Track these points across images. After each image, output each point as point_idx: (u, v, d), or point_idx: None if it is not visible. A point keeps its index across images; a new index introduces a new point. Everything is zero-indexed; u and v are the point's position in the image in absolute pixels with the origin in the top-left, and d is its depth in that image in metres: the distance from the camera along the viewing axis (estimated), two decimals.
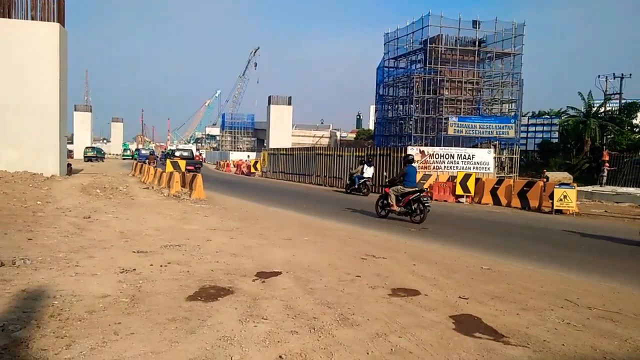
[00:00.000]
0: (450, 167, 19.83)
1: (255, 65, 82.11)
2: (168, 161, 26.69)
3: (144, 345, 3.33)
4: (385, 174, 16.43)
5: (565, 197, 14.17)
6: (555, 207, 14.25)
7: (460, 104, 33.15)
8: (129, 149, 73.00)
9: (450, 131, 29.54)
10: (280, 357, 3.26)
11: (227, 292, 4.74)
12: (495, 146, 29.39)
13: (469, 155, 20.43)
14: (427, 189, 13.77)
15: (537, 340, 3.75)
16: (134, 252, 6.39)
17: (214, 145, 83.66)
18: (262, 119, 61.07)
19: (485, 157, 20.78)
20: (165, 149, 69.63)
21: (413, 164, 11.92)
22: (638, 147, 30.76)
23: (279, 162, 31.80)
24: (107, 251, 6.38)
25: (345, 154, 23.94)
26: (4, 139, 17.57)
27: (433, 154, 20.10)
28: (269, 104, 52.10)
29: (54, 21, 18.35)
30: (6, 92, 17.63)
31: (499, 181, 17.70)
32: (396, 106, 36.81)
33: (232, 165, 43.12)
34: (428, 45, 31.68)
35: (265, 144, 52.74)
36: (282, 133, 50.72)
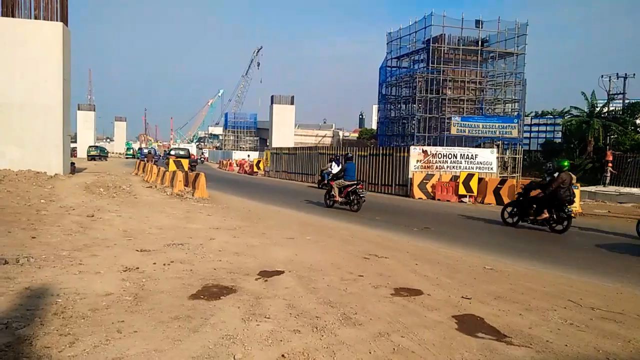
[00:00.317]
0: (453, 167, 19.78)
1: (258, 64, 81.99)
2: (171, 160, 26.89)
3: (147, 343, 3.34)
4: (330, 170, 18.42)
5: None
6: None
7: (463, 104, 33.11)
8: (132, 148, 73.21)
9: (453, 131, 29.46)
10: (282, 356, 3.26)
11: (230, 290, 4.75)
12: (498, 146, 29.34)
13: (472, 155, 20.37)
14: (360, 181, 14.29)
15: (540, 341, 3.75)
16: (137, 250, 6.41)
17: (217, 145, 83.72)
18: (264, 119, 61.09)
19: (488, 157, 20.71)
20: (167, 148, 69.75)
21: (351, 161, 13.84)
22: None
23: (281, 161, 31.86)
24: (110, 249, 6.41)
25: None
26: (7, 138, 17.62)
27: (436, 153, 20.05)
28: (272, 103, 52.12)
29: (57, 20, 18.39)
30: (10, 91, 17.69)
31: (502, 181, 17.68)
32: (399, 106, 36.81)
33: (234, 165, 43.21)
34: (431, 44, 31.67)
35: (267, 144, 52.75)
36: (285, 132, 50.80)
